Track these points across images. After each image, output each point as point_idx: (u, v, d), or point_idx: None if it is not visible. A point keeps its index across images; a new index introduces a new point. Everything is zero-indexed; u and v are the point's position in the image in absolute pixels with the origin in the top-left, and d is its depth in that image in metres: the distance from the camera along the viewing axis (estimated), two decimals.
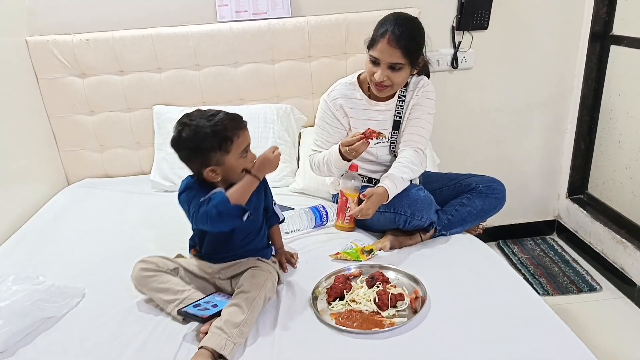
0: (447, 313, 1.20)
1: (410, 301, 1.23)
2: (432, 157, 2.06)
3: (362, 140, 1.50)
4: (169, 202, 1.42)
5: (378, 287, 1.26)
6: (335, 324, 1.17)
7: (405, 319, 1.18)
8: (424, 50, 1.60)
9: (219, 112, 1.23)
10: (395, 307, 1.21)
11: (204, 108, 1.28)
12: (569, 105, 2.45)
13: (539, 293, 2.21)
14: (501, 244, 2.65)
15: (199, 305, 1.19)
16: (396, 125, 1.70)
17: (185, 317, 1.17)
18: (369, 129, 1.51)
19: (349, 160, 1.58)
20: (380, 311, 1.20)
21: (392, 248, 1.55)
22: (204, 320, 1.14)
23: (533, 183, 2.61)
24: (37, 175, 2.06)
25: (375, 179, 1.74)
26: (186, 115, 1.24)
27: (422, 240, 1.60)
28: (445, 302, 1.24)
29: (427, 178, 1.81)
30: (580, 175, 2.53)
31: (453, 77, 2.33)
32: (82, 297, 1.33)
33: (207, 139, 1.18)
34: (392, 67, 1.53)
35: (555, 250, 2.55)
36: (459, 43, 2.25)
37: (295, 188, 1.97)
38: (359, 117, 1.69)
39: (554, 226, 2.71)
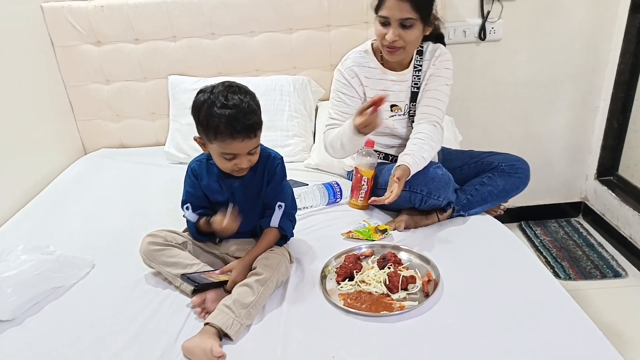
0: (460, 298, 1.15)
1: (422, 284, 1.18)
2: (454, 133, 1.98)
3: (374, 113, 1.39)
4: (183, 174, 1.39)
5: (389, 268, 1.22)
6: (344, 304, 1.13)
7: (416, 302, 1.13)
8: (434, 6, 1.49)
9: (238, 103, 1.13)
10: (406, 289, 1.17)
11: (235, 81, 1.23)
12: (603, 80, 2.31)
13: (560, 277, 2.14)
14: (523, 225, 2.57)
15: (202, 273, 1.18)
16: (414, 97, 1.62)
17: (186, 282, 1.16)
18: (374, 97, 1.39)
19: (365, 134, 1.50)
20: (390, 293, 1.15)
21: (406, 228, 1.49)
22: (199, 286, 1.13)
23: (560, 162, 2.50)
24: (55, 144, 2.06)
25: (391, 155, 1.68)
26: (216, 87, 1.18)
27: (439, 221, 1.54)
28: (458, 286, 1.19)
29: (448, 155, 1.73)
30: (611, 155, 2.40)
31: (480, 49, 2.21)
32: (92, 268, 1.33)
33: (200, 114, 1.16)
34: (403, 25, 1.44)
35: (580, 234, 2.46)
36: (488, 13, 2.12)
37: (310, 164, 1.92)
38: (374, 87, 1.61)
39: (580, 208, 2.60)
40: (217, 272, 1.19)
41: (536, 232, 2.50)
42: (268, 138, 1.94)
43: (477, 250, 1.35)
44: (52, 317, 1.16)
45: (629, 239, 2.22)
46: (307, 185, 1.67)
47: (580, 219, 2.60)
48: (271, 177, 1.29)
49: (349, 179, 1.75)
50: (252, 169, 1.27)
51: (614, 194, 2.32)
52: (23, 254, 1.22)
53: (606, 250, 2.31)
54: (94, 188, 1.83)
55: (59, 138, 2.09)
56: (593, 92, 2.33)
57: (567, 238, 2.43)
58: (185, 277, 1.15)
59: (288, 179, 1.67)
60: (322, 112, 2.06)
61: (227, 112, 1.11)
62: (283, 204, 1.29)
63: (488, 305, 1.13)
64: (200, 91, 1.18)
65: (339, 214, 1.57)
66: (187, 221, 1.31)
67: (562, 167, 2.51)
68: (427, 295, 1.15)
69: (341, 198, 1.64)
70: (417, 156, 1.44)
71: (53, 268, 1.21)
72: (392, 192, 1.34)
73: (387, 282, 1.16)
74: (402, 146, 1.55)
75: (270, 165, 1.29)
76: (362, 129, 1.44)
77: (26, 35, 1.91)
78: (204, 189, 1.30)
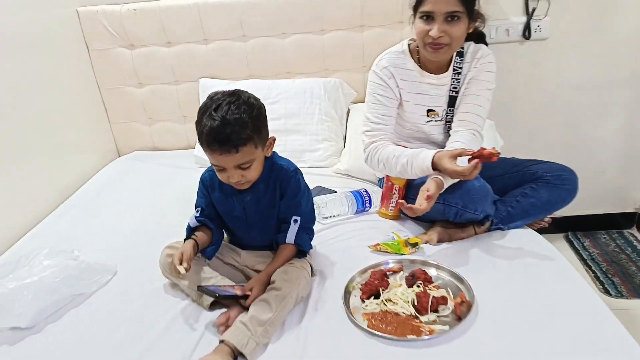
0: (496, 322, 1.05)
1: (455, 306, 1.08)
2: (495, 138, 1.86)
3: (476, 167, 1.24)
4: None
5: (418, 287, 1.13)
6: (367, 325, 1.05)
7: (447, 326, 1.03)
8: (478, 0, 1.39)
9: (225, 114, 1.06)
10: (436, 311, 1.08)
11: (246, 88, 1.20)
12: None
13: (611, 294, 1.98)
14: (570, 237, 2.40)
15: (220, 287, 1.13)
16: (452, 102, 1.52)
17: (204, 293, 1.11)
18: (486, 150, 1.23)
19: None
20: (418, 315, 1.07)
21: (440, 241, 1.40)
22: (217, 297, 1.09)
23: (611, 170, 2.31)
24: (90, 146, 2.09)
25: None
26: (218, 94, 1.14)
27: (475, 234, 1.43)
28: (495, 309, 1.09)
29: (487, 163, 1.61)
30: None
31: (524, 49, 2.07)
32: (113, 275, 1.31)
33: (197, 117, 1.12)
34: (450, 18, 1.35)
35: (633, 247, 2.27)
36: (533, 10, 1.98)
37: (340, 169, 1.85)
38: (410, 90, 1.52)
39: (633, 219, 2.41)
40: (236, 287, 1.14)
41: (584, 244, 2.33)
42: (297, 142, 1.92)
43: (517, 269, 1.24)
44: (72, 325, 1.15)
45: None
46: (335, 192, 1.60)
47: (634, 231, 2.41)
48: (284, 191, 1.22)
49: (380, 187, 1.67)
50: (264, 182, 1.21)
51: None
52: (46, 259, 1.22)
53: None
54: (124, 191, 1.84)
55: (93, 140, 2.12)
56: None
57: (619, 251, 2.25)
58: (204, 289, 1.11)
59: (315, 185, 1.61)
60: (354, 116, 1.99)
61: (210, 122, 1.06)
62: (299, 218, 1.22)
63: (527, 331, 1.02)
64: (209, 95, 1.14)
65: (368, 224, 1.49)
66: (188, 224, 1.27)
67: (615, 175, 2.33)
68: (459, 319, 1.05)
69: (370, 207, 1.56)
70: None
71: (74, 275, 1.20)
72: (421, 207, 1.24)
73: (416, 303, 1.07)
74: None
75: (283, 179, 1.22)
76: (451, 174, 1.28)
77: (62, 38, 1.94)
78: (215, 202, 1.26)
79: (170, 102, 2.14)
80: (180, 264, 1.10)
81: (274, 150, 1.23)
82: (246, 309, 1.08)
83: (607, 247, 2.29)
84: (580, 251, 2.29)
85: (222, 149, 1.07)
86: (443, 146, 1.49)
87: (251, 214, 1.23)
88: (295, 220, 1.21)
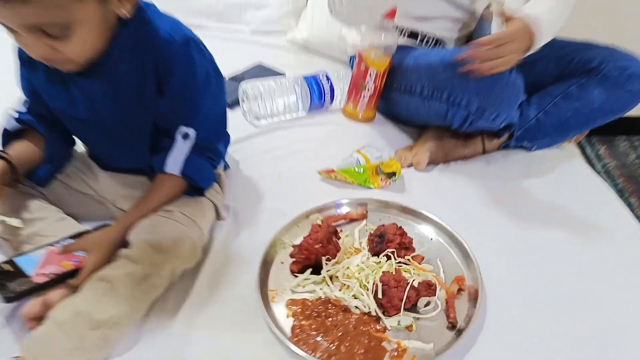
0: (515, 328, 0.62)
1: (446, 300, 0.63)
2: None
3: None
4: None
5: (388, 259, 0.66)
6: (291, 334, 0.59)
7: (431, 345, 0.58)
8: None
9: None
10: (414, 309, 0.62)
11: None
12: None
13: None
14: (582, 142, 1.97)
15: (35, 251, 0.63)
16: None
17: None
18: None
19: None
20: (382, 316, 0.61)
21: (431, 163, 0.91)
22: (14, 298, 0.59)
23: None
24: None
25: (426, 34, 1.00)
26: None
27: (483, 153, 0.95)
28: (513, 304, 0.65)
29: None
30: None
31: None
32: None
33: None
34: None
35: None
36: None
37: (296, 38, 1.31)
38: None
39: None
40: (58, 249, 0.64)
41: (599, 153, 1.94)
42: None
43: (552, 221, 0.79)
44: None
45: None
46: (283, 75, 1.06)
47: None
48: (166, 80, 0.66)
49: (351, 68, 1.12)
50: (126, 60, 0.64)
51: None
52: None
53: None
54: None
55: None
56: None
57: None
58: None
59: (255, 61, 1.07)
60: None
61: None
62: (191, 132, 0.68)
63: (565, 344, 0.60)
64: None
65: (323, 129, 0.98)
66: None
67: None
68: (452, 326, 0.61)
69: (332, 101, 1.03)
70: (547, 14, 0.83)
71: None
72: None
73: (380, 294, 0.61)
74: (456, 25, 0.88)
75: (161, 57, 0.65)
76: None
77: None
78: (40, 90, 0.69)
79: None
80: None
81: (150, 2, 0.64)
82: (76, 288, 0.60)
83: (626, 158, 1.91)
84: (593, 161, 1.90)
85: None
86: (472, 14, 0.91)
87: (105, 116, 0.68)
88: (186, 136, 0.68)
